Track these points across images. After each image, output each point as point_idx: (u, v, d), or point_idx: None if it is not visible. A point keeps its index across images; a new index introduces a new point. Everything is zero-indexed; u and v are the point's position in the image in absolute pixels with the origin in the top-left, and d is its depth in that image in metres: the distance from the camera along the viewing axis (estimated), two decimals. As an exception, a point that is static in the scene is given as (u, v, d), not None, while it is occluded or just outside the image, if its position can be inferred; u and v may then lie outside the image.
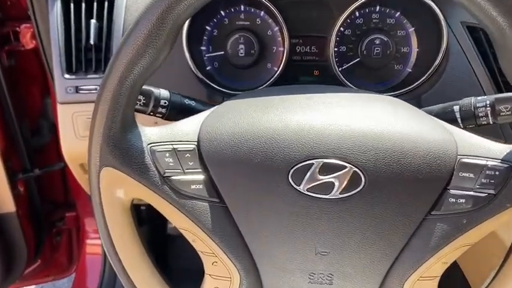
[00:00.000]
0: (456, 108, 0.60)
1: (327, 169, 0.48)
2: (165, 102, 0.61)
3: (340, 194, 0.48)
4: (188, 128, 0.52)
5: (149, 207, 0.54)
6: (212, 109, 0.55)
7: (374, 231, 0.50)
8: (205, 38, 0.80)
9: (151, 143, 0.51)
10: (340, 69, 0.79)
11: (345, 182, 0.48)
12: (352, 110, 0.51)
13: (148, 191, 0.51)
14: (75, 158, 0.84)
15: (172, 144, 0.51)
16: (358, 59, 0.78)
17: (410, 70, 0.79)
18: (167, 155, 0.50)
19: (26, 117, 1.15)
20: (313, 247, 0.51)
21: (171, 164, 0.50)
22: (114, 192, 0.52)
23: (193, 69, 0.78)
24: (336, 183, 0.48)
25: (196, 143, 0.51)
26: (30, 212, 1.19)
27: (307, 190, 0.48)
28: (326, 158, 0.47)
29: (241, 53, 0.77)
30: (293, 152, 0.48)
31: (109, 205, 0.52)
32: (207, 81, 0.78)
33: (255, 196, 0.49)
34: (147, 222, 1.25)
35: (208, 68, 0.81)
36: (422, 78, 0.77)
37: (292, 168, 0.48)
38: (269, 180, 0.48)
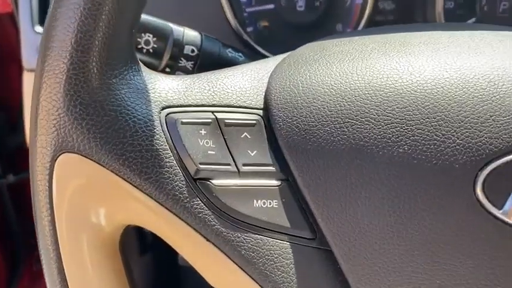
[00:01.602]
0: None
1: None
2: (193, 51, 0.39)
3: None
4: (245, 82, 0.30)
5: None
6: (285, 55, 0.33)
7: None
8: (246, -16, 0.61)
9: (168, 107, 0.28)
10: (447, 33, 0.59)
11: None
12: None
13: (159, 211, 0.28)
14: None
15: (213, 112, 0.28)
16: (473, 19, 0.59)
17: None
18: (203, 132, 0.28)
19: (1, 108, 0.99)
20: None
21: (210, 152, 0.28)
22: (83, 213, 0.28)
23: (234, 27, 0.58)
24: None
25: (261, 111, 0.30)
26: (2, 231, 1.04)
27: None
28: None
29: (300, 7, 0.61)
30: (484, 133, 0.26)
31: (71, 242, 0.28)
32: (253, 44, 0.58)
33: (398, 229, 0.26)
34: (152, 248, 1.00)
35: (249, 29, 0.60)
36: None
37: (482, 169, 0.27)
38: (431, 194, 0.27)
